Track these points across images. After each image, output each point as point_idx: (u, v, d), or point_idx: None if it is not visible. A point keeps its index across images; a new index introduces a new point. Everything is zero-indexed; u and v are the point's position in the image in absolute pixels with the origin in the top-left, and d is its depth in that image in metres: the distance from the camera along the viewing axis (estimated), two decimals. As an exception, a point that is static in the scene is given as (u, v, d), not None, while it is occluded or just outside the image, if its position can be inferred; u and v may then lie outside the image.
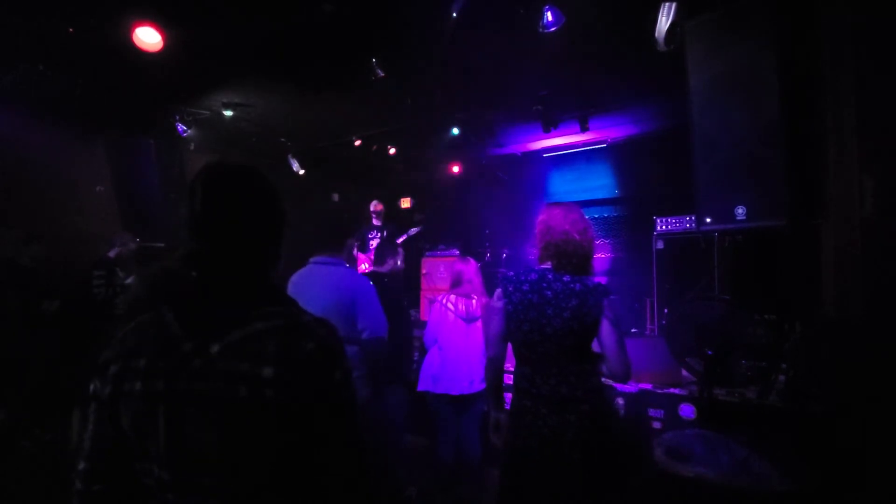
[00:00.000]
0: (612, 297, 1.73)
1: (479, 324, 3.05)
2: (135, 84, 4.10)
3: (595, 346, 1.77)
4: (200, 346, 0.77)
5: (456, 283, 3.12)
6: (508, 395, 1.90)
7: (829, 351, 2.25)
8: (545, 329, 1.70)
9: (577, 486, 1.64)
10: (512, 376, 1.88)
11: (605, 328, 1.70)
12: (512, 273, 1.85)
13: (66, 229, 4.52)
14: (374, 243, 5.50)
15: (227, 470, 0.73)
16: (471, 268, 3.13)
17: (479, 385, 2.94)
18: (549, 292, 1.73)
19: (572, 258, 1.76)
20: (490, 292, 3.30)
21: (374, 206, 5.72)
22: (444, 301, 3.08)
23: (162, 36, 3.20)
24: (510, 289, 1.80)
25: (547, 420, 1.68)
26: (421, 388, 3.01)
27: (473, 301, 3.06)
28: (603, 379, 1.80)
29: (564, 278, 1.74)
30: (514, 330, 1.78)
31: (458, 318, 3.02)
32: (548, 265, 1.81)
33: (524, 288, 1.77)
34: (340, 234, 2.40)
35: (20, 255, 3.89)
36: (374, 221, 5.70)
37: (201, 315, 0.80)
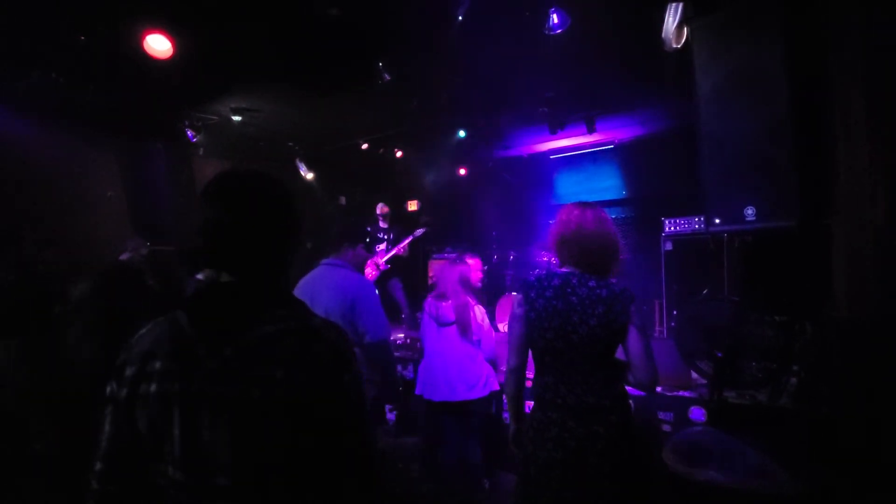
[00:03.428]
0: (636, 301, 1.66)
1: (453, 329, 2.91)
2: (145, 90, 4.15)
3: (619, 354, 1.72)
4: (213, 349, 0.78)
5: (434, 286, 3.10)
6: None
7: (841, 352, 2.22)
8: (570, 337, 1.63)
9: (605, 497, 1.60)
10: (530, 385, 1.83)
11: (633, 336, 1.63)
12: (533, 278, 1.77)
13: (77, 234, 4.58)
14: (379, 247, 5.54)
15: (240, 470, 0.75)
16: (452, 270, 3.01)
17: (464, 393, 2.81)
18: (574, 298, 1.65)
19: (596, 258, 1.69)
20: (494, 294, 3.30)
21: (381, 208, 5.75)
22: (425, 305, 3.05)
23: (172, 43, 3.24)
24: (532, 295, 1.72)
25: (574, 432, 1.62)
26: (417, 391, 3.01)
27: (445, 304, 2.95)
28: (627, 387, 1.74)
29: (590, 283, 1.67)
30: (536, 338, 1.71)
31: (431, 321, 2.97)
32: (570, 269, 1.74)
33: (548, 294, 1.69)
34: (346, 238, 2.43)
35: (34, 259, 3.95)
36: (381, 224, 5.72)
37: (214, 318, 0.82)
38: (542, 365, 1.75)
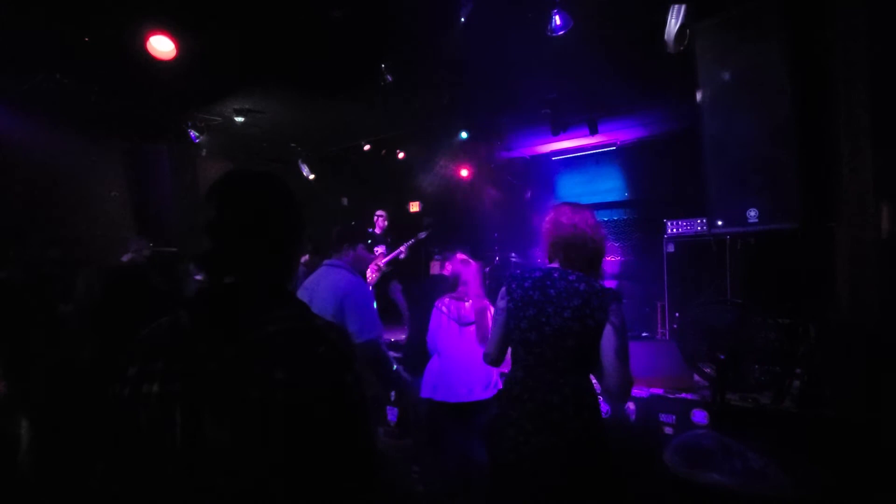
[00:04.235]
0: (621, 302, 1.62)
1: (472, 329, 2.93)
2: (149, 92, 4.17)
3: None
4: (215, 349, 0.79)
5: (452, 286, 3.07)
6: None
7: (844, 354, 2.21)
8: (544, 328, 1.62)
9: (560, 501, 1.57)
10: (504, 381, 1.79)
11: (607, 335, 1.56)
12: (518, 271, 1.80)
13: (81, 234, 4.60)
14: (378, 249, 5.56)
15: (241, 470, 0.75)
16: (469, 270, 3.03)
17: (480, 394, 2.82)
18: (552, 290, 1.65)
19: (581, 253, 1.70)
20: (496, 296, 3.28)
21: (378, 215, 5.75)
22: (440, 305, 3.04)
23: (175, 44, 3.25)
24: (513, 286, 1.74)
25: (531, 438, 1.57)
26: (423, 395, 2.96)
27: (466, 304, 2.97)
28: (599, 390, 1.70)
29: (570, 277, 1.66)
30: (513, 328, 1.71)
31: (451, 321, 2.96)
32: (555, 264, 1.75)
33: (526, 285, 1.70)
34: (346, 239, 2.50)
35: (39, 259, 3.97)
36: (377, 231, 5.72)
37: (216, 318, 0.82)
38: (516, 358, 1.73)
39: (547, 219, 1.81)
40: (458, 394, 2.83)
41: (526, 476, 1.58)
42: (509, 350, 1.83)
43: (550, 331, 1.61)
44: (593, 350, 1.62)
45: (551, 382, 1.61)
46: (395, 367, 2.51)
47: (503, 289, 1.79)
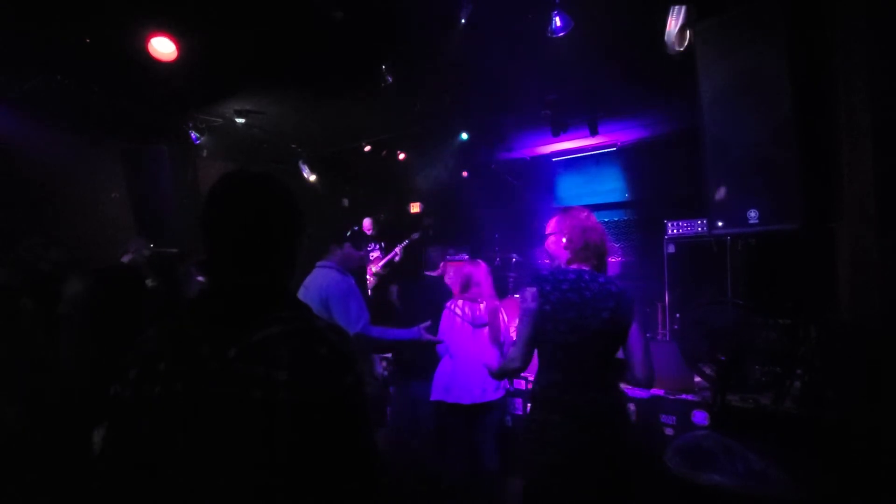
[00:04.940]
0: (637, 303, 1.75)
1: (486, 330, 2.97)
2: (149, 93, 4.18)
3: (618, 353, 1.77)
4: (217, 350, 0.79)
5: (464, 288, 3.07)
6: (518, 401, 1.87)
7: (845, 355, 2.21)
8: (581, 331, 1.66)
9: (607, 500, 1.62)
10: (532, 384, 1.81)
11: (635, 333, 1.70)
12: (547, 273, 1.78)
13: (82, 234, 4.59)
14: (373, 255, 5.56)
15: (243, 471, 0.75)
16: (480, 271, 3.07)
17: (492, 394, 2.86)
18: (587, 293, 1.69)
19: (603, 257, 1.79)
20: (500, 296, 3.30)
21: (367, 224, 5.74)
22: (452, 307, 3.05)
23: (176, 45, 3.26)
24: (547, 288, 1.71)
25: (578, 437, 1.62)
26: (434, 397, 2.96)
27: (481, 306, 3.01)
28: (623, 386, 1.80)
29: (600, 279, 1.73)
30: (549, 331, 1.69)
31: (465, 323, 2.98)
32: (578, 266, 1.77)
33: (563, 287, 1.70)
34: (332, 239, 2.60)
35: (40, 259, 3.96)
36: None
37: (218, 319, 0.82)
38: (550, 361, 1.72)
39: (569, 224, 1.81)
40: (474, 395, 2.85)
41: (576, 475, 1.62)
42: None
43: (589, 333, 1.66)
44: (619, 347, 1.73)
45: (588, 382, 1.67)
46: (391, 336, 2.58)
47: (533, 290, 1.74)
